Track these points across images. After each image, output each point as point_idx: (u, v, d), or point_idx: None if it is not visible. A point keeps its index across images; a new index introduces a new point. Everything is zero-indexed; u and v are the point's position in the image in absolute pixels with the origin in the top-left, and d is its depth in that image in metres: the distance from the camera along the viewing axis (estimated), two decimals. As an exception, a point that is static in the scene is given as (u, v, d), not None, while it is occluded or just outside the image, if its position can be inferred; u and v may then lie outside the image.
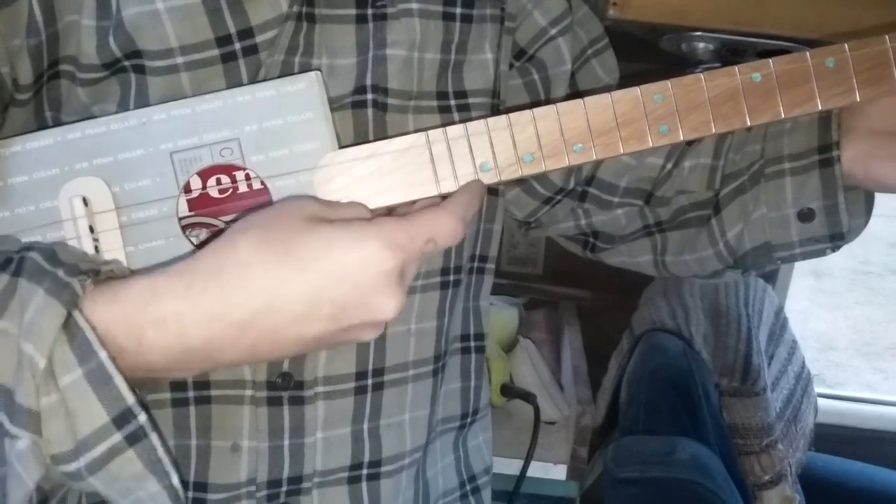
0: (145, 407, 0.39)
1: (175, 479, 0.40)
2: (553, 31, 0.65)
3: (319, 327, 0.41)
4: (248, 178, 0.47)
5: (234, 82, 0.50)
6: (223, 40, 0.49)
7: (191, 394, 0.52)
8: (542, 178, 0.69)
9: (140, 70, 0.48)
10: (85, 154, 0.46)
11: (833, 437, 1.52)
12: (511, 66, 0.65)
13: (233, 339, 0.40)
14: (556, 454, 1.13)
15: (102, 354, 0.37)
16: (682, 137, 0.47)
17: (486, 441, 0.70)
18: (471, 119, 0.49)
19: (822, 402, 1.47)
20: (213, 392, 0.52)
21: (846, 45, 0.46)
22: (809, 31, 0.89)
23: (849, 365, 3.83)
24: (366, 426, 0.56)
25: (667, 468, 0.95)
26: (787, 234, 0.61)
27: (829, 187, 0.58)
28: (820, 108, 0.47)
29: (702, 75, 0.47)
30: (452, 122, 0.57)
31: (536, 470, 1.10)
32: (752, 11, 0.88)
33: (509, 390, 1.16)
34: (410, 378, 0.58)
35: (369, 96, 0.53)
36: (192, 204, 0.47)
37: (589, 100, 0.47)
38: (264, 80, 0.49)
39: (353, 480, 0.57)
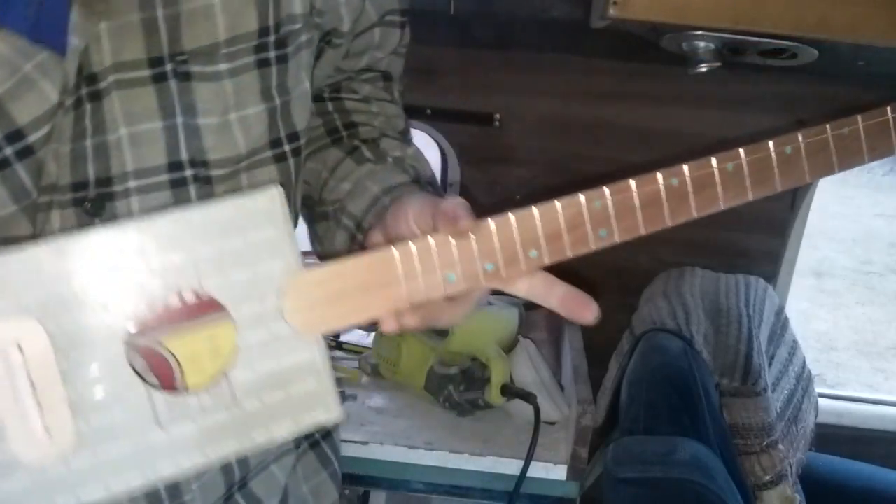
0: None
1: None
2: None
3: None
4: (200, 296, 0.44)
5: (14, 189, 0.47)
6: None
7: None
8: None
9: None
10: (11, 290, 0.41)
11: (834, 438, 1.52)
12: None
13: None
14: (557, 454, 1.12)
15: None
16: (617, 240, 0.50)
17: None
18: (299, 160, 0.52)
19: (822, 402, 1.46)
20: None
21: (741, 151, 0.51)
22: (809, 29, 0.89)
23: (850, 365, 3.83)
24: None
25: (667, 468, 0.95)
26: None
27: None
28: (722, 207, 0.51)
29: (632, 182, 0.49)
30: (289, 171, 0.59)
31: (537, 470, 1.10)
32: (752, 10, 0.88)
33: (509, 390, 1.16)
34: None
35: (188, 172, 0.52)
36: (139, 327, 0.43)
37: (539, 206, 0.49)
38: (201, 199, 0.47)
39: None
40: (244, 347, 0.45)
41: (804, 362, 1.41)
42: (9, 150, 0.46)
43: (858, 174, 7.29)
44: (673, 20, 0.91)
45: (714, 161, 0.50)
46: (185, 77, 0.50)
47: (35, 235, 0.48)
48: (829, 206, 6.01)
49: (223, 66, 0.51)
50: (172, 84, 0.50)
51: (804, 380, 1.38)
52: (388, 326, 0.49)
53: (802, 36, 0.91)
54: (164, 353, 0.44)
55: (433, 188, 0.62)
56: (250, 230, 0.44)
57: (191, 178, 0.52)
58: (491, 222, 0.48)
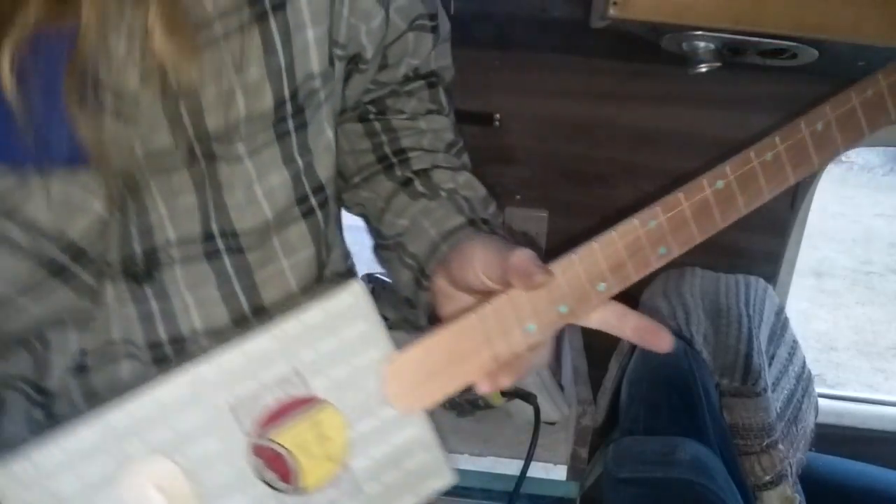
0: None
1: None
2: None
3: None
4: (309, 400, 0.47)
5: (77, 287, 0.52)
6: (50, 264, 0.51)
7: None
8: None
9: None
10: (136, 433, 0.43)
11: (834, 438, 1.52)
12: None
13: None
14: (557, 454, 1.12)
15: None
16: (676, 254, 0.51)
17: None
18: (327, 208, 0.54)
19: (822, 402, 1.47)
20: None
21: (777, 138, 0.51)
22: (809, 30, 0.89)
23: (849, 365, 3.83)
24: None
25: (667, 468, 0.95)
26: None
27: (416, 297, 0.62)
28: (767, 198, 0.51)
29: (681, 195, 0.50)
30: (318, 223, 0.60)
31: (537, 470, 1.10)
32: (752, 10, 0.88)
33: (509, 390, 1.16)
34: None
35: (220, 245, 0.54)
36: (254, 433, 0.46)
37: (598, 240, 0.49)
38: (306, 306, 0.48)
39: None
40: (357, 437, 0.48)
41: (804, 362, 1.41)
42: (68, 262, 0.51)
43: (858, 174, 7.29)
44: (673, 20, 0.90)
45: (753, 154, 0.50)
46: (210, 158, 0.53)
47: (92, 308, 0.54)
48: (829, 206, 6.02)
49: (241, 149, 0.54)
50: (202, 163, 0.53)
51: (804, 380, 1.38)
52: (484, 388, 0.51)
53: (802, 36, 0.91)
54: (277, 449, 0.46)
55: (488, 225, 0.63)
56: (342, 328, 0.47)
57: (223, 250, 0.55)
58: (556, 265, 0.49)
